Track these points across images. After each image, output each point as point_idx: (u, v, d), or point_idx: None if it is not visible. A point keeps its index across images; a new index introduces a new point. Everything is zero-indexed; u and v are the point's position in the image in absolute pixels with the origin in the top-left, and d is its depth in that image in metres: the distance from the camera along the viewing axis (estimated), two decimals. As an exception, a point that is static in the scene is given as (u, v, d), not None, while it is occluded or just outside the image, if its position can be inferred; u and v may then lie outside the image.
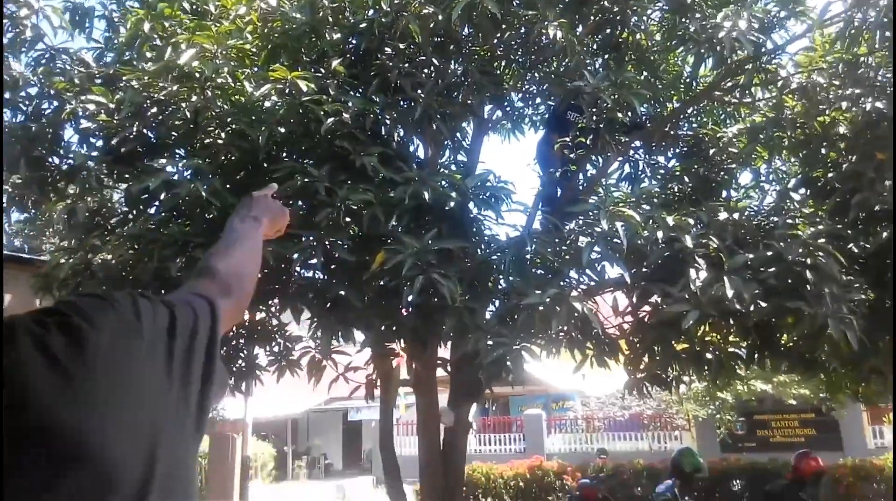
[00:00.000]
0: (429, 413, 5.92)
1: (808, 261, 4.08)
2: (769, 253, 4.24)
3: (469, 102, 5.05)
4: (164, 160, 3.99)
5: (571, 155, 5.36)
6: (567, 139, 5.32)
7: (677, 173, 6.21)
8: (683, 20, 5.25)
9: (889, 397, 6.52)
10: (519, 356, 4.21)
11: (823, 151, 5.42)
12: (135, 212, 4.76)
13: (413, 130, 5.11)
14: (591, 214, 4.59)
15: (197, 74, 4.04)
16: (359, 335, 5.07)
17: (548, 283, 4.34)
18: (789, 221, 4.60)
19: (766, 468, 11.78)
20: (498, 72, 5.66)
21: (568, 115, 5.52)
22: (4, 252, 7.79)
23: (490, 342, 4.16)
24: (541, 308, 4.03)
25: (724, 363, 5.28)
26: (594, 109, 4.91)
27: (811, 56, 5.50)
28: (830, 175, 5.26)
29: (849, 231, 4.71)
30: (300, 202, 4.28)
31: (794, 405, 15.12)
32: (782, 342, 5.17)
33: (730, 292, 3.91)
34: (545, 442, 18.21)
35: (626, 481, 11.96)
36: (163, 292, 4.44)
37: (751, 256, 4.25)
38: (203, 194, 3.80)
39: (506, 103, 6.00)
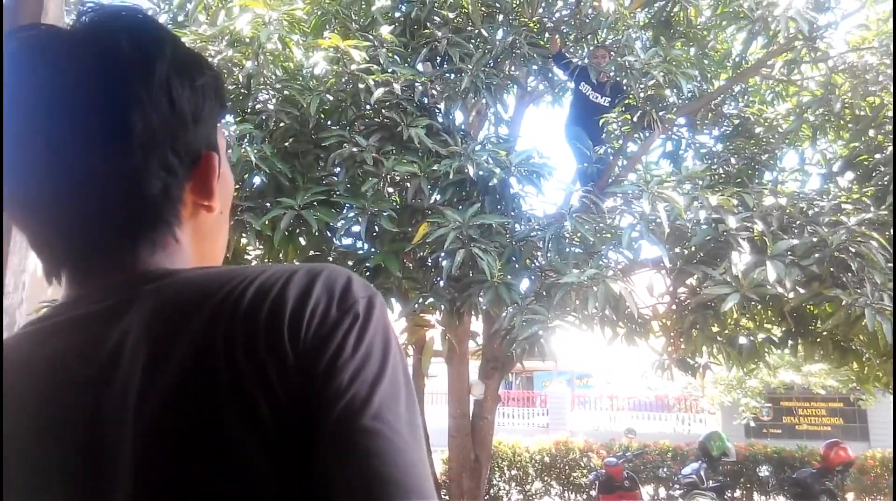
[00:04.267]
0: (459, 384, 6.02)
1: (853, 249, 4.04)
2: (813, 239, 4.21)
3: (515, 73, 5.03)
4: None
5: (616, 130, 5.34)
6: (597, 96, 5.27)
7: (722, 153, 6.14)
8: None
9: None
10: (553, 333, 4.26)
11: (871, 133, 5.32)
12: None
13: (457, 101, 5.12)
14: (630, 193, 4.58)
15: (249, 40, 4.08)
16: (395, 305, 5.15)
17: (585, 261, 4.36)
18: (834, 206, 4.54)
19: (793, 455, 11.71)
20: (544, 43, 5.63)
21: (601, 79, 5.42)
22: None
23: (525, 318, 4.21)
24: (577, 287, 4.06)
25: (756, 348, 5.27)
26: (641, 85, 4.86)
27: (864, 35, 5.36)
28: (877, 157, 5.16)
29: (888, 216, 4.63)
30: (346, 171, 4.33)
31: (822, 393, 14.98)
32: (817, 329, 5.14)
33: (772, 277, 3.89)
34: (568, 419, 18.31)
35: (652, 461, 11.99)
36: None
37: (795, 241, 4.22)
38: (252, 158, 3.87)
39: (550, 74, 5.96)
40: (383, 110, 4.34)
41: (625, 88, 5.29)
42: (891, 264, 4.26)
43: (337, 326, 0.56)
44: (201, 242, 0.68)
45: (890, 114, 5.11)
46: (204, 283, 0.59)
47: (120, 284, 0.61)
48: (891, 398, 13.15)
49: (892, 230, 4.34)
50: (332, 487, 0.51)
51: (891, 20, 4.53)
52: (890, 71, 4.95)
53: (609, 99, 5.52)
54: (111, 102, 0.59)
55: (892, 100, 4.69)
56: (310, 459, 0.52)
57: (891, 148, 5.02)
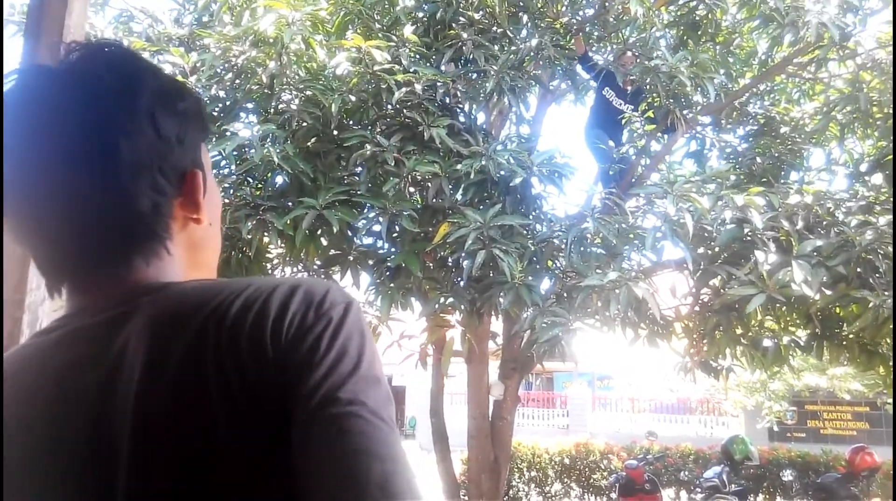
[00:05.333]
0: (479, 385, 6.01)
1: (881, 250, 3.97)
2: (840, 239, 4.14)
3: (539, 74, 5.01)
4: (239, 124, 4.10)
5: (638, 129, 5.29)
6: (619, 100, 5.23)
7: (747, 152, 6.06)
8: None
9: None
10: (574, 335, 4.24)
11: None
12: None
13: (480, 102, 5.11)
14: (654, 194, 4.54)
15: (272, 40, 4.11)
16: (416, 304, 5.15)
17: (607, 263, 4.33)
18: (862, 206, 4.46)
19: (817, 459, 11.55)
20: (569, 43, 5.60)
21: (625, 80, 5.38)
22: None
23: (546, 320, 4.19)
24: (599, 290, 4.03)
25: (781, 351, 5.20)
26: (666, 86, 4.82)
27: (891, 31, 5.26)
28: None
29: None
30: (368, 170, 4.35)
31: (847, 397, 14.76)
32: (843, 331, 5.05)
33: (798, 278, 3.83)
34: (588, 420, 18.21)
35: (673, 464, 11.89)
36: (232, 253, 4.59)
37: (821, 242, 4.15)
38: (275, 158, 3.89)
39: (575, 75, 5.93)
40: (405, 110, 4.35)
41: (647, 90, 5.25)
42: None
43: (313, 327, 0.61)
44: (194, 252, 0.74)
45: None
46: (196, 295, 0.65)
47: (119, 295, 0.67)
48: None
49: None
50: (316, 463, 0.55)
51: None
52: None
53: (632, 107, 5.49)
54: (100, 131, 0.65)
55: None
56: (292, 447, 0.57)
57: None
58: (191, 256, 0.74)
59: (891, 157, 5.31)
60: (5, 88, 0.68)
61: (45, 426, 0.62)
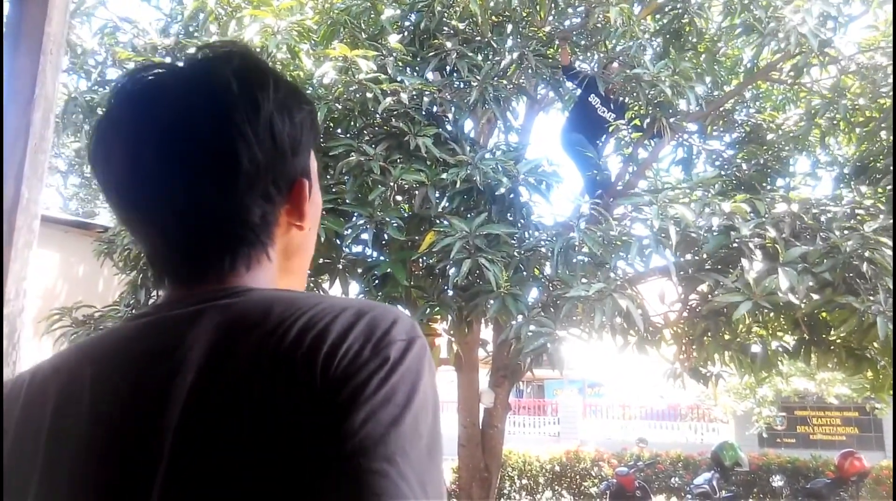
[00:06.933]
0: (469, 393, 5.99)
1: (866, 255, 3.99)
2: (826, 245, 4.16)
3: (523, 83, 5.03)
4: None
5: (625, 137, 5.31)
6: (599, 103, 5.24)
7: (733, 159, 6.10)
8: (748, 6, 5.12)
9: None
10: (561, 344, 4.24)
11: (883, 135, 5.27)
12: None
13: (466, 111, 5.12)
14: (641, 203, 4.55)
15: (259, 49, 4.10)
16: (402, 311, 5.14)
17: (593, 272, 4.33)
18: (847, 212, 4.49)
19: (807, 465, 11.58)
20: (553, 53, 5.62)
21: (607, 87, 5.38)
22: (69, 217, 8.08)
23: (533, 329, 4.19)
24: (584, 300, 4.03)
25: (769, 356, 5.22)
26: (650, 94, 4.84)
27: (873, 36, 5.32)
28: (889, 160, 5.11)
29: None
30: (354, 179, 4.34)
31: (836, 402, 14.83)
32: (831, 337, 5.08)
33: (784, 285, 3.85)
34: (579, 428, 18.21)
35: (663, 471, 11.89)
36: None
37: (807, 248, 4.17)
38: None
39: (559, 85, 5.95)
40: (391, 119, 4.35)
41: (631, 98, 5.26)
42: None
43: (365, 365, 0.58)
44: (290, 257, 0.76)
45: None
46: (265, 306, 0.64)
47: (203, 294, 0.67)
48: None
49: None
50: None
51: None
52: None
53: (615, 115, 5.47)
54: (221, 136, 0.66)
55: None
56: (315, 489, 0.54)
57: None
58: (287, 261, 0.75)
59: (873, 161, 5.36)
60: (127, 81, 0.69)
61: (110, 412, 0.63)
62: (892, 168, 4.37)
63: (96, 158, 0.69)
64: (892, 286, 3.93)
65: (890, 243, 3.99)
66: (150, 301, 4.97)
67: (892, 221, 4.24)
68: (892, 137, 4.40)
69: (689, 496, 9.33)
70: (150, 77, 0.69)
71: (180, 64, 0.72)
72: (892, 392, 5.36)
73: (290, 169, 0.71)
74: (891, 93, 5.04)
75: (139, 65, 0.71)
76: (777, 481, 11.38)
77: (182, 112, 0.66)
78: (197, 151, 0.66)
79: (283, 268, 0.74)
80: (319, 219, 0.82)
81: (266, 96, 0.68)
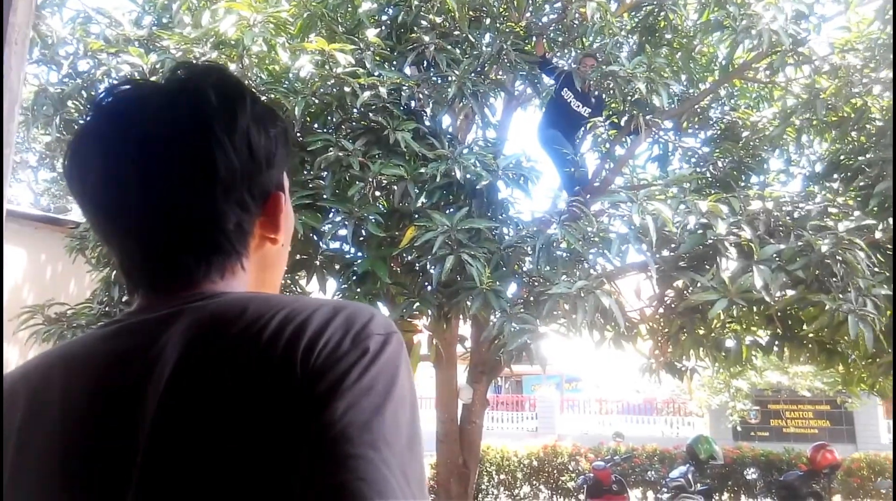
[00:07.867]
0: (448, 389, 5.99)
1: (838, 254, 4.05)
2: (799, 244, 4.22)
3: (501, 78, 5.01)
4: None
5: (602, 133, 5.33)
6: (571, 97, 5.24)
7: (708, 156, 6.15)
8: (722, 2, 5.16)
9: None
10: (542, 340, 4.25)
11: (854, 134, 5.35)
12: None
13: (445, 106, 5.10)
14: (620, 203, 4.57)
15: (234, 42, 4.04)
16: (383, 309, 5.11)
17: (573, 268, 4.34)
18: (820, 210, 4.56)
19: (780, 458, 11.76)
20: (531, 48, 5.62)
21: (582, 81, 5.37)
22: (40, 212, 7.91)
23: (514, 326, 4.19)
24: (566, 297, 4.04)
25: (743, 351, 5.28)
26: (626, 91, 4.86)
27: (846, 37, 5.39)
28: (861, 159, 5.19)
29: (873, 220, 4.65)
30: (333, 174, 4.30)
31: (808, 396, 15.07)
32: (804, 332, 5.15)
33: (758, 283, 3.90)
34: (557, 423, 18.32)
35: (640, 465, 12.00)
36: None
37: (781, 246, 4.22)
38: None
39: (537, 80, 5.95)
40: (370, 114, 4.32)
41: (606, 97, 5.27)
42: (876, 270, 4.27)
43: (345, 356, 0.59)
44: (264, 270, 0.77)
45: (872, 115, 5.15)
46: (241, 306, 0.65)
47: (177, 299, 0.68)
48: (876, 400, 13.23)
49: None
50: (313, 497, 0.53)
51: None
52: (874, 74, 4.98)
53: (590, 110, 5.46)
54: (200, 145, 0.68)
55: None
56: (297, 475, 0.55)
57: (873, 151, 5.05)
58: (260, 273, 0.76)
59: (845, 160, 5.44)
60: (106, 95, 0.71)
61: (83, 413, 0.64)
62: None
63: (72, 169, 0.71)
64: (862, 286, 3.99)
65: (862, 243, 4.05)
66: (124, 298, 4.89)
67: (868, 221, 4.30)
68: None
69: (665, 489, 9.42)
70: (129, 89, 0.72)
71: (160, 80, 0.75)
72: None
73: (266, 180, 0.73)
74: (863, 94, 5.11)
75: (119, 80, 0.75)
76: (751, 474, 11.53)
77: (161, 121, 0.68)
78: (176, 158, 0.68)
79: (255, 281, 0.76)
80: (291, 235, 0.83)
81: (243, 109, 0.71)
